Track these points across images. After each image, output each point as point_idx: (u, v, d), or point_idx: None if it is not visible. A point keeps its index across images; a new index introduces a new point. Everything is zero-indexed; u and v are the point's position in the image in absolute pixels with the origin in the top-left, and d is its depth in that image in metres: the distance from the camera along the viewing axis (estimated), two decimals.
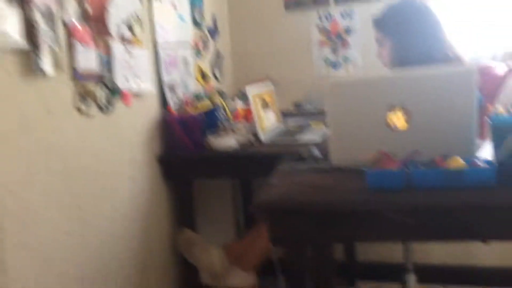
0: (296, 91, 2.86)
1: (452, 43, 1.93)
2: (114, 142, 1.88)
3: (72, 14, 1.64)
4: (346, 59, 2.86)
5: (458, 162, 1.27)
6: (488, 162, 1.29)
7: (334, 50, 2.86)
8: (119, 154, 1.92)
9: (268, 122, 2.30)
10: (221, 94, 2.70)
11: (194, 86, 2.48)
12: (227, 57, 2.95)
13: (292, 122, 2.55)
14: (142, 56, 2.02)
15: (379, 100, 1.49)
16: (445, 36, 1.92)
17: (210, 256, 2.25)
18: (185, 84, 2.37)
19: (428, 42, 1.88)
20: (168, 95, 2.21)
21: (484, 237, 1.24)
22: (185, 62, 2.39)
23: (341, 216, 1.29)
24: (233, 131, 2.29)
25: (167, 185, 2.25)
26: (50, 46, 1.51)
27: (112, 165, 1.87)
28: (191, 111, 2.21)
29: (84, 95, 1.70)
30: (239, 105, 2.55)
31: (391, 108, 1.48)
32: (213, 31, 2.76)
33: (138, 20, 2.00)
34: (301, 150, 1.81)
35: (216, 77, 2.77)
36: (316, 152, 1.76)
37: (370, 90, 1.51)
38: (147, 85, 2.05)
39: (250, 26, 2.99)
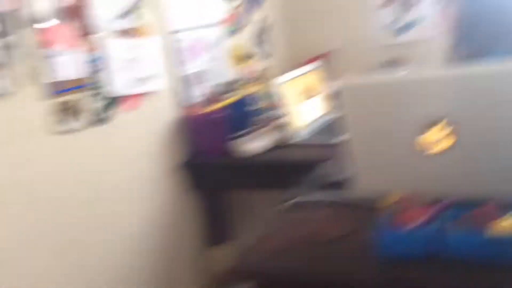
0: (361, 62, 2.36)
1: None
2: (114, 159, 1.62)
3: (44, 11, 1.37)
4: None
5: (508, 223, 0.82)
6: None
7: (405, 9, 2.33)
8: (124, 171, 1.66)
9: (308, 115, 1.89)
10: (264, 76, 2.29)
11: (228, 72, 2.10)
12: (277, 26, 2.51)
13: None
14: (149, 48, 1.70)
15: (411, 110, 1.05)
16: None
17: None
18: (214, 72, 2.01)
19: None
20: (188, 90, 1.88)
21: None
22: (213, 46, 2.03)
23: None
24: (270, 127, 1.87)
25: (195, 197, 1.92)
26: (9, 57, 1.27)
27: (115, 187, 1.62)
28: (215, 107, 1.85)
29: (66, 110, 1.44)
30: None
31: (431, 122, 1.03)
32: None
33: (142, 4, 1.68)
34: (316, 176, 1.38)
35: (263, 54, 2.37)
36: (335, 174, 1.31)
37: (399, 96, 1.07)
38: (159, 82, 1.75)
39: None
